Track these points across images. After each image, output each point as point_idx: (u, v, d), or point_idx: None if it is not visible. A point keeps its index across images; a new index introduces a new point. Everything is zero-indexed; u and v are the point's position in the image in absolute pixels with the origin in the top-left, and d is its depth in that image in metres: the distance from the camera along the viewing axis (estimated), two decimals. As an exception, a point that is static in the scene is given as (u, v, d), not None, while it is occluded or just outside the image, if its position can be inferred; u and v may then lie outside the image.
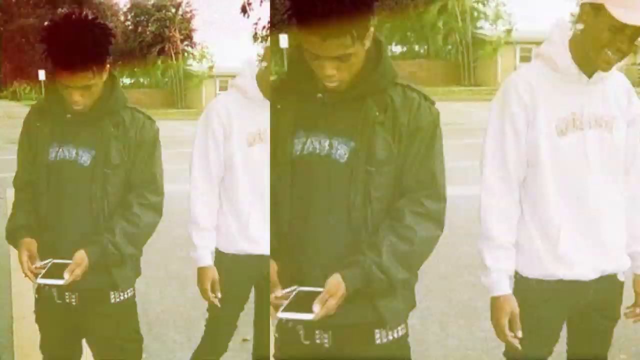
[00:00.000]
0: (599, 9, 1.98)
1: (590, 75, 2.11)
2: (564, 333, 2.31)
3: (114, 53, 2.48)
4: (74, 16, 2.24)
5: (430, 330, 4.15)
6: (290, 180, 1.98)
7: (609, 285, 2.21)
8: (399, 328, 2.04)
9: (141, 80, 32.82)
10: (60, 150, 2.40)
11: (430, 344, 3.97)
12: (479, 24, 28.96)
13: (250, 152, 2.69)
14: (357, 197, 1.93)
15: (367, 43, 1.88)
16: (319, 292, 1.84)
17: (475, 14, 28.84)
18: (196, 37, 32.83)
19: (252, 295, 2.90)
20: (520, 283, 2.19)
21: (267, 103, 2.49)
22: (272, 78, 2.40)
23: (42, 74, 22.55)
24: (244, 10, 29.93)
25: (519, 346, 2.09)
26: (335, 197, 1.94)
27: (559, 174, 2.12)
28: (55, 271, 2.27)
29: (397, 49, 30.24)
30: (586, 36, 2.05)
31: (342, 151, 1.94)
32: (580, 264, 2.14)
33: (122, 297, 2.49)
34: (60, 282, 2.25)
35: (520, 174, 2.15)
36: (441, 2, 28.20)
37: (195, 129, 2.74)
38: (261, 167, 2.62)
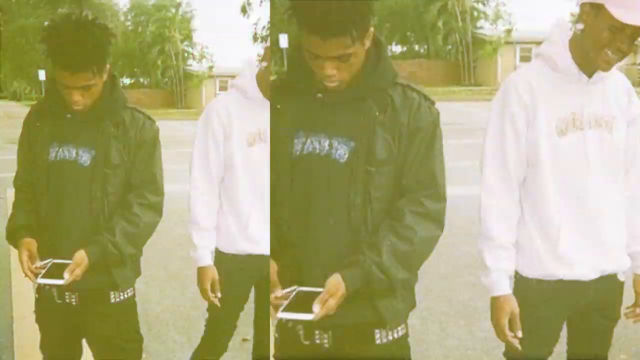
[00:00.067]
0: (599, 9, 1.98)
1: (590, 75, 2.10)
2: (564, 333, 2.31)
3: (114, 53, 2.49)
4: (74, 16, 2.25)
5: (430, 330, 4.15)
6: (290, 180, 1.98)
7: (609, 285, 2.21)
8: (399, 328, 2.04)
9: (141, 80, 32.81)
10: (60, 150, 2.39)
11: (430, 344, 3.97)
12: (479, 23, 29.00)
13: (250, 152, 2.69)
14: (357, 197, 1.93)
15: (367, 43, 1.88)
16: (319, 292, 1.84)
17: (475, 13, 28.87)
18: (196, 37, 32.85)
19: (252, 295, 2.89)
20: (520, 283, 2.19)
21: (267, 103, 2.49)
22: (272, 78, 2.40)
23: (42, 74, 22.56)
24: (243, 10, 30.00)
25: (519, 346, 2.09)
26: (335, 197, 1.94)
27: (559, 174, 2.11)
28: (55, 271, 2.27)
29: (397, 49, 30.31)
30: (586, 36, 2.04)
31: (342, 151, 1.94)
32: (580, 264, 2.14)
33: (122, 297, 2.49)
34: (60, 282, 2.25)
35: (520, 174, 2.15)
36: (441, 2, 28.21)
37: (195, 129, 2.74)
38: (261, 167, 2.62)
